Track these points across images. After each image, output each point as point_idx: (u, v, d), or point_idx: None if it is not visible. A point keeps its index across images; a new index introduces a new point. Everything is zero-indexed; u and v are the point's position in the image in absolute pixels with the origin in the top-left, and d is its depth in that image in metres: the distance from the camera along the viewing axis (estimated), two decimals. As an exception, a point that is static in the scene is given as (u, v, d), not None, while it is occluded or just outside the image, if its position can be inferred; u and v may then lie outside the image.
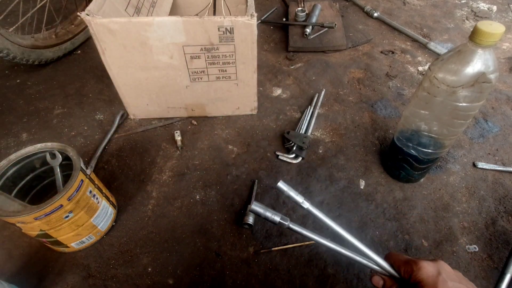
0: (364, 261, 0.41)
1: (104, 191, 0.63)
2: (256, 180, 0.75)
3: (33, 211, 0.48)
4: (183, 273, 0.62)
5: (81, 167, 0.55)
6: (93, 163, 0.78)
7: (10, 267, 0.62)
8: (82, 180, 0.55)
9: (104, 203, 0.62)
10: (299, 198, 0.39)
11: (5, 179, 0.56)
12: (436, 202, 0.72)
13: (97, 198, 0.59)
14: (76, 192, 0.53)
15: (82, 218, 0.57)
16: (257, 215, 0.39)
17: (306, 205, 0.40)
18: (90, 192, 0.57)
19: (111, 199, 0.64)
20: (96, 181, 0.61)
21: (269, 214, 0.39)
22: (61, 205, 0.51)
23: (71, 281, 0.60)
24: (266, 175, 0.77)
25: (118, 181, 0.75)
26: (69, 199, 0.52)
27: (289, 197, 0.39)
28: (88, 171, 0.57)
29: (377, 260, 0.41)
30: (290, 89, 0.99)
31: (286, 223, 0.40)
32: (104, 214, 0.62)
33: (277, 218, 0.39)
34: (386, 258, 0.42)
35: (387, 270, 0.41)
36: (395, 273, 0.41)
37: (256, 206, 0.39)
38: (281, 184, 0.39)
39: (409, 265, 0.39)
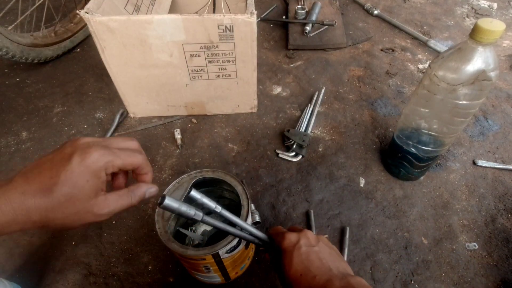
0: (247, 236, 0.45)
1: (229, 270, 0.55)
2: (244, 180, 0.75)
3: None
4: (184, 271, 0.62)
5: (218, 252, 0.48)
6: (93, 161, 0.77)
7: (11, 265, 0.62)
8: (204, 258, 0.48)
9: (214, 275, 0.56)
10: (212, 204, 0.40)
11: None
12: (436, 200, 0.73)
13: (208, 269, 0.53)
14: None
15: (185, 265, 0.55)
16: (171, 211, 0.36)
17: (219, 209, 0.41)
18: (206, 267, 0.52)
19: (230, 274, 0.57)
20: (227, 263, 0.53)
21: (184, 208, 0.36)
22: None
23: (72, 279, 0.60)
24: (266, 173, 0.77)
25: (118, 180, 0.75)
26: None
27: (203, 204, 0.39)
28: (226, 255, 0.50)
29: (258, 234, 0.45)
30: (290, 87, 0.99)
31: (199, 219, 0.38)
32: (206, 277, 0.57)
33: (191, 212, 0.37)
34: (269, 231, 0.46)
35: (262, 240, 0.45)
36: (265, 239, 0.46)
37: (170, 201, 0.35)
38: (194, 193, 0.38)
39: (279, 236, 0.43)
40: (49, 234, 0.66)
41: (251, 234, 0.45)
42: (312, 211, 0.69)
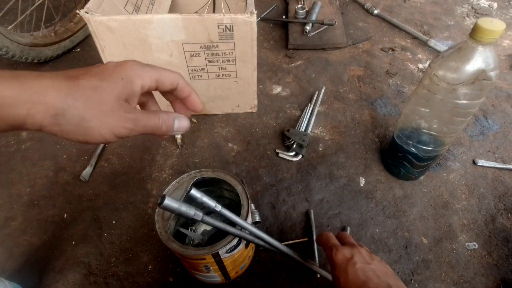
0: (248, 236, 0.46)
1: (229, 270, 0.56)
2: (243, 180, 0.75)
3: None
4: (184, 270, 0.62)
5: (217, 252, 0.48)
6: (93, 161, 0.78)
7: (11, 265, 0.62)
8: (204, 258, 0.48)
9: (214, 274, 0.56)
10: (211, 203, 0.40)
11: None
12: (436, 199, 0.73)
13: (208, 269, 0.53)
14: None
15: (185, 265, 0.55)
16: (171, 211, 0.36)
17: (219, 208, 0.41)
18: (206, 266, 0.52)
19: (230, 274, 0.58)
20: (227, 262, 0.53)
21: (184, 208, 0.36)
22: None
23: (72, 278, 0.60)
24: (266, 173, 0.77)
25: (118, 179, 0.75)
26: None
27: (203, 203, 0.39)
28: (226, 255, 0.50)
29: (272, 242, 0.47)
30: (290, 87, 0.99)
31: (199, 219, 0.38)
32: (206, 277, 0.57)
33: (191, 212, 0.37)
34: (318, 238, 0.45)
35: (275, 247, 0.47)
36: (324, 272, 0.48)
37: (169, 201, 0.34)
38: (194, 192, 0.38)
39: (330, 248, 0.43)
40: (49, 234, 0.66)
41: (256, 236, 0.45)
42: (312, 210, 0.69)
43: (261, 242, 0.47)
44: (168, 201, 0.34)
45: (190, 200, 0.39)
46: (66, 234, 0.66)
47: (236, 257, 0.53)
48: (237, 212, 0.50)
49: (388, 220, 0.69)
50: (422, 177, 0.76)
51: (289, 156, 0.80)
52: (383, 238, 0.66)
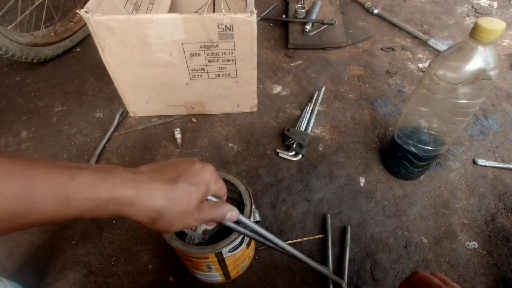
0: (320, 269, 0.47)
1: (230, 269, 0.56)
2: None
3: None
4: (184, 270, 0.62)
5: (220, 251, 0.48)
6: (93, 161, 0.78)
7: (11, 264, 0.62)
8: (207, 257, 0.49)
9: (215, 273, 0.56)
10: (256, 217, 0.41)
11: None
12: (436, 199, 0.73)
13: (210, 268, 0.53)
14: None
15: (186, 264, 0.55)
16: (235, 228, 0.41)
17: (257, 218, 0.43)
18: (208, 265, 0.53)
19: (230, 274, 0.58)
20: (229, 262, 0.53)
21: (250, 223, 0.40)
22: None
23: (72, 278, 0.60)
24: (266, 172, 0.77)
25: (118, 179, 0.75)
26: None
27: (253, 229, 0.42)
28: (228, 254, 0.50)
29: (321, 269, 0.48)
30: (290, 86, 0.99)
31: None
32: (207, 276, 0.57)
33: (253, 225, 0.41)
34: (414, 279, 0.39)
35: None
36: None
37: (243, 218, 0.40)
38: (242, 217, 0.41)
39: None
40: (49, 233, 0.66)
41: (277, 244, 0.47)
42: (329, 214, 0.68)
43: (282, 250, 0.48)
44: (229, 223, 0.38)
45: None
46: (66, 234, 0.66)
47: (238, 256, 0.53)
48: (240, 212, 0.49)
49: (388, 219, 0.69)
50: (422, 177, 0.76)
51: (289, 155, 0.80)
52: (383, 237, 0.66)
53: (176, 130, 0.83)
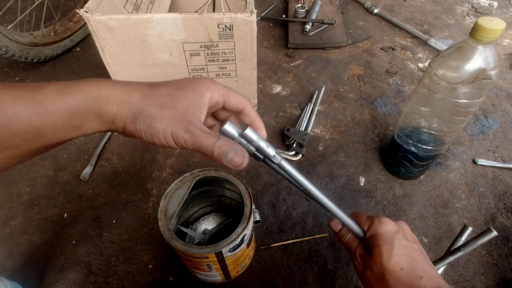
0: (338, 214, 0.40)
1: (230, 269, 0.56)
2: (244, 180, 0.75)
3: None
4: (184, 270, 0.62)
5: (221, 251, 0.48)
6: (93, 160, 0.78)
7: (12, 264, 0.62)
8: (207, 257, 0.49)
9: (216, 273, 0.56)
10: (271, 151, 0.33)
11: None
12: (436, 198, 0.73)
13: (210, 268, 0.53)
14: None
15: (186, 263, 0.55)
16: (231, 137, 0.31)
17: (278, 159, 0.35)
18: (208, 265, 0.52)
19: (231, 273, 0.58)
20: (229, 261, 0.53)
21: (263, 143, 0.32)
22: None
23: (72, 278, 0.60)
24: (266, 172, 0.77)
25: (118, 179, 0.75)
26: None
27: (258, 147, 0.32)
28: (228, 254, 0.50)
29: (344, 218, 0.41)
30: (290, 86, 0.99)
31: (277, 159, 0.33)
32: (208, 276, 0.57)
33: (252, 149, 0.32)
34: (351, 216, 0.42)
35: (351, 227, 0.41)
36: (358, 230, 0.41)
37: (229, 126, 0.30)
38: (249, 131, 0.31)
39: (371, 219, 0.40)
40: (50, 233, 0.66)
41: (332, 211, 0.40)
42: (470, 228, 0.62)
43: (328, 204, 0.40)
44: (228, 127, 0.30)
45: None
46: (67, 234, 0.66)
47: (238, 256, 0.53)
48: (240, 212, 0.50)
49: (388, 219, 0.69)
50: (422, 176, 0.76)
51: (289, 155, 0.80)
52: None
53: (176, 130, 0.83)
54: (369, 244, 0.39)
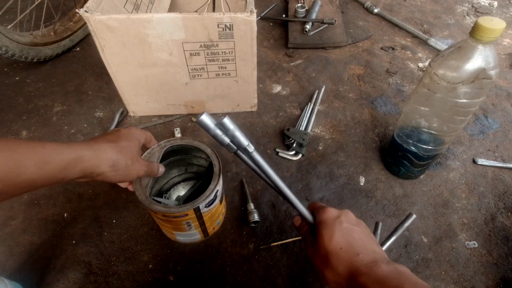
0: (298, 206, 0.46)
1: (207, 225, 0.60)
2: (244, 179, 0.75)
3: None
4: (184, 269, 0.62)
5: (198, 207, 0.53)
6: (93, 160, 0.78)
7: (12, 264, 0.62)
8: (187, 214, 0.53)
9: (195, 231, 0.61)
10: (245, 141, 0.37)
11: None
12: (436, 198, 0.73)
13: (190, 226, 0.57)
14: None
15: (167, 227, 0.59)
16: (206, 129, 0.37)
17: (252, 148, 0.39)
18: (188, 223, 0.56)
19: (208, 230, 0.62)
20: (206, 217, 0.58)
21: (218, 132, 0.37)
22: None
23: (72, 277, 0.60)
24: (266, 172, 0.77)
25: (118, 179, 0.75)
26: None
27: (234, 137, 0.36)
28: (205, 210, 0.55)
29: (300, 208, 0.46)
30: (290, 86, 0.99)
31: (251, 148, 0.37)
32: (188, 235, 0.61)
33: (226, 140, 0.37)
34: (308, 206, 0.48)
35: (304, 214, 0.46)
36: (309, 216, 0.46)
37: (205, 118, 0.35)
38: (227, 120, 0.36)
39: (319, 210, 0.45)
40: (50, 233, 0.66)
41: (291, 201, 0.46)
42: (380, 223, 0.61)
43: (288, 194, 0.47)
44: (204, 117, 0.35)
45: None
46: (67, 233, 0.66)
47: (213, 211, 0.58)
48: (209, 175, 0.55)
49: (388, 219, 0.69)
50: (422, 176, 0.76)
51: (289, 155, 0.80)
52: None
53: (176, 130, 0.83)
54: (315, 232, 0.43)
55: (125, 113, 0.90)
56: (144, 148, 0.53)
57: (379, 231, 0.61)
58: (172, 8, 1.04)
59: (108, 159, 0.40)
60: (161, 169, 0.53)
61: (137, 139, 0.47)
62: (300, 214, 0.47)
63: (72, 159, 0.36)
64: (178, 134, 0.82)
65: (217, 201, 0.57)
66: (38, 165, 0.33)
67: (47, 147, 0.34)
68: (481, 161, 0.79)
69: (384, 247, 0.54)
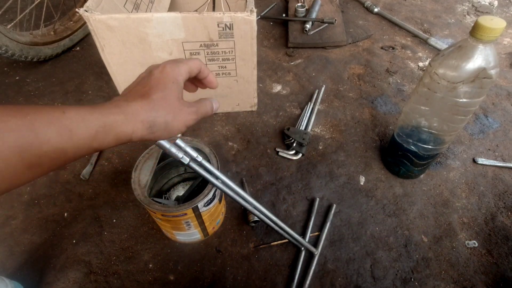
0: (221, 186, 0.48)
1: (207, 225, 0.60)
2: (244, 178, 0.75)
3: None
4: (184, 269, 0.62)
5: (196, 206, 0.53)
6: (93, 160, 0.78)
7: (12, 263, 0.62)
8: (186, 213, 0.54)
9: (195, 231, 0.61)
10: (179, 154, 0.41)
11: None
12: (436, 198, 0.73)
13: (189, 225, 0.58)
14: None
15: (166, 227, 0.59)
16: (163, 149, 0.40)
17: (186, 160, 0.41)
18: (187, 223, 0.57)
19: (208, 229, 0.62)
20: (205, 216, 0.58)
21: (173, 150, 0.40)
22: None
23: (72, 277, 0.60)
24: (266, 171, 0.77)
25: (119, 178, 0.75)
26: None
27: (170, 154, 0.40)
28: (204, 208, 0.55)
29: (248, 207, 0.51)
30: (290, 85, 0.99)
31: (186, 162, 0.41)
32: (187, 235, 0.62)
33: (179, 155, 0.41)
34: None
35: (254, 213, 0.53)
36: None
37: (162, 141, 0.39)
38: (161, 141, 0.39)
39: None
40: (50, 232, 0.66)
41: (231, 188, 0.49)
42: (318, 198, 0.68)
43: (233, 195, 0.50)
44: (161, 140, 0.38)
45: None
46: (67, 233, 0.66)
47: (212, 211, 0.57)
48: (203, 182, 0.55)
49: (388, 218, 0.69)
50: (422, 176, 0.76)
51: (289, 154, 0.80)
52: (383, 236, 0.66)
53: (176, 129, 0.83)
54: None
55: (125, 113, 0.89)
56: (197, 81, 0.43)
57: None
58: (172, 7, 1.04)
59: (143, 122, 0.33)
60: (215, 105, 0.41)
61: (175, 81, 0.36)
62: (253, 213, 0.49)
63: (101, 127, 0.30)
64: (178, 134, 0.82)
65: (216, 200, 0.57)
66: (62, 133, 0.28)
67: (68, 113, 0.29)
68: (481, 160, 0.79)
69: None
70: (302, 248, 0.63)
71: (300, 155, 0.80)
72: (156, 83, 0.35)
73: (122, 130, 0.31)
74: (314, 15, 1.16)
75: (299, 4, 1.21)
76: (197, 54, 0.73)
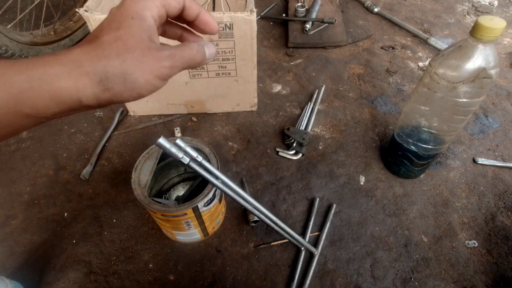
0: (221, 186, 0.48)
1: (207, 225, 0.60)
2: (244, 178, 0.75)
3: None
4: (184, 269, 0.62)
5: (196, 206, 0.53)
6: (93, 160, 0.78)
7: (12, 263, 0.62)
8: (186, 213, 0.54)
9: (195, 231, 0.61)
10: (179, 154, 0.41)
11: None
12: (436, 198, 0.73)
13: (189, 225, 0.58)
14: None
15: (166, 227, 0.59)
16: (163, 149, 0.40)
17: (186, 160, 0.41)
18: (187, 223, 0.57)
19: (208, 229, 0.62)
20: (205, 216, 0.58)
21: (174, 150, 0.40)
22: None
23: (72, 277, 0.60)
24: (266, 171, 0.77)
25: (119, 178, 0.75)
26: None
27: (170, 154, 0.41)
28: (204, 208, 0.55)
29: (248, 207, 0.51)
30: (290, 85, 0.99)
31: (186, 162, 0.41)
32: (187, 235, 0.62)
33: (180, 155, 0.41)
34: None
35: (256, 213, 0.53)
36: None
37: (162, 141, 0.39)
38: (162, 141, 0.39)
39: None
40: (50, 232, 0.66)
41: (231, 188, 0.49)
42: (318, 198, 0.69)
43: (233, 195, 0.50)
44: (161, 140, 0.38)
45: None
46: (67, 233, 0.66)
47: (212, 211, 0.57)
48: (203, 181, 0.55)
49: (388, 218, 0.69)
50: (422, 175, 0.76)
51: (289, 154, 0.80)
52: (383, 236, 0.66)
53: (176, 129, 0.83)
54: None
55: (125, 113, 0.90)
56: (189, 26, 0.32)
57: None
58: (172, 7, 1.03)
59: (89, 74, 0.22)
60: (208, 50, 0.30)
61: (136, 16, 0.25)
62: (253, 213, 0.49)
63: (27, 82, 0.21)
64: (178, 133, 0.82)
65: (216, 200, 0.57)
66: None
67: None
68: (481, 160, 0.79)
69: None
70: (302, 248, 0.63)
71: (300, 155, 0.80)
72: (111, 21, 0.25)
73: (59, 86, 0.22)
74: (314, 15, 1.16)
75: (299, 4, 1.21)
76: (197, 54, 0.73)
